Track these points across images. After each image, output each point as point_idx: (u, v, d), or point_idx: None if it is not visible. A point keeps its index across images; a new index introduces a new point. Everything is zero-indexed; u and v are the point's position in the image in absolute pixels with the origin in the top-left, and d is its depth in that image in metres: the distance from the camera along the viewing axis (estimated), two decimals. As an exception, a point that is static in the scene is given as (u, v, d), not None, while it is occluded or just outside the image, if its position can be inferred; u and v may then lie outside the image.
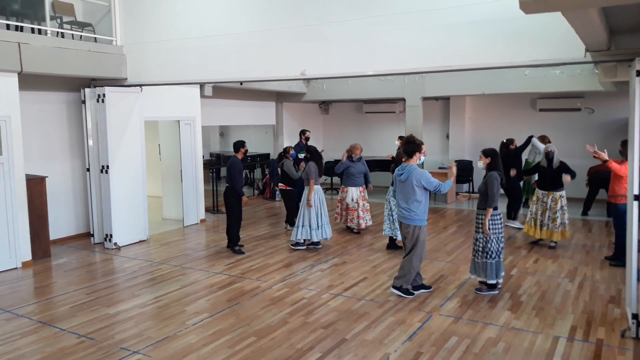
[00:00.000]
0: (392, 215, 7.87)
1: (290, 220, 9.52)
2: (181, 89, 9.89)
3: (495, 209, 5.91)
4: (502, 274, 6.07)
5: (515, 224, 9.60)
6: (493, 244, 5.88)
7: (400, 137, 11.25)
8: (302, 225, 7.99)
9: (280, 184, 9.56)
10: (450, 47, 6.01)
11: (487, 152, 6.08)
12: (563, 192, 7.88)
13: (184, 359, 4.53)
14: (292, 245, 8.18)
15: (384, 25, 6.24)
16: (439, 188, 5.78)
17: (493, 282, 5.98)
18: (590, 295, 5.97)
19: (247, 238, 8.96)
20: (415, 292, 6.04)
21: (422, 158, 6.00)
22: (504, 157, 9.61)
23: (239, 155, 8.06)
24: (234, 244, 8.07)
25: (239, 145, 8.11)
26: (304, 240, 8.04)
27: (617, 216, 6.87)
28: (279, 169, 9.45)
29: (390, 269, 7.06)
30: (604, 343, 4.74)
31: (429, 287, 6.18)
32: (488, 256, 5.90)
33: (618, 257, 6.96)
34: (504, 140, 9.92)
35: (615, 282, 6.39)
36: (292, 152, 9.48)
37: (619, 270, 6.82)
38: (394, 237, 7.96)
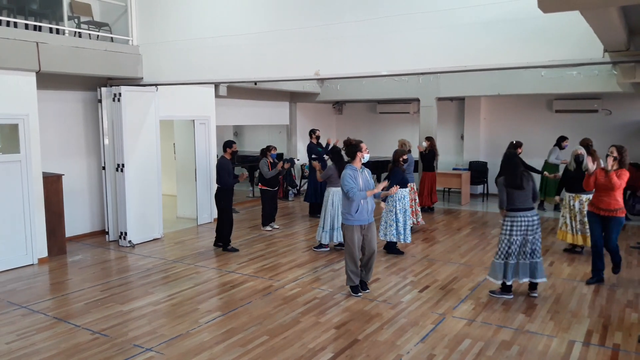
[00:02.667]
0: (393, 217, 7.79)
1: (266, 221, 9.57)
2: (196, 89, 9.94)
3: (512, 210, 5.79)
4: None
5: None
6: (538, 244, 5.86)
7: (428, 138, 11.22)
8: (324, 229, 7.94)
9: (259, 184, 9.60)
10: (466, 47, 5.97)
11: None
12: (591, 196, 7.68)
13: (196, 357, 4.55)
14: (314, 247, 8.13)
15: (398, 25, 6.22)
16: (349, 193, 5.72)
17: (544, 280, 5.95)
18: (607, 300, 5.88)
19: (259, 237, 8.99)
20: (360, 294, 6.08)
21: (366, 156, 5.96)
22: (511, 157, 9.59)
23: (227, 156, 8.06)
24: (225, 244, 8.08)
25: (226, 145, 8.13)
26: (326, 243, 8.00)
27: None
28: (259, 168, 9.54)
29: (402, 271, 7.03)
30: (621, 348, 4.66)
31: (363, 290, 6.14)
32: (538, 256, 5.83)
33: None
34: (513, 142, 9.89)
35: (633, 287, 6.29)
36: (273, 152, 9.44)
37: (636, 273, 6.72)
38: (393, 241, 7.84)
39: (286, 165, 9.43)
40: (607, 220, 6.23)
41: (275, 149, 9.59)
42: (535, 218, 5.80)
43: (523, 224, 5.75)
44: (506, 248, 5.82)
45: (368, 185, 5.93)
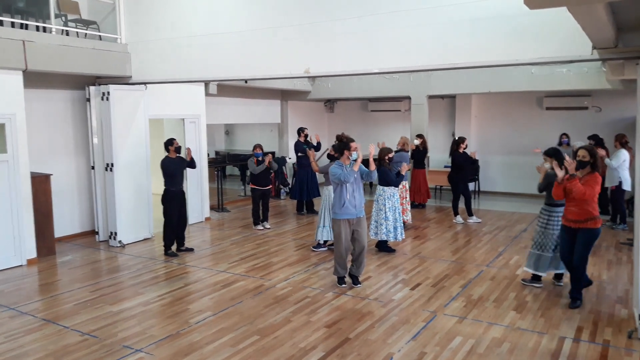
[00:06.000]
0: (383, 216, 7.77)
1: (255, 220, 9.57)
2: (186, 87, 9.88)
3: (552, 205, 5.99)
4: None
5: (474, 219, 9.95)
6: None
7: (419, 135, 11.26)
8: (324, 226, 7.86)
9: (250, 183, 9.62)
10: (456, 44, 5.96)
11: (549, 153, 6.14)
12: None
13: (186, 357, 4.52)
14: (313, 247, 8.06)
15: (389, 23, 6.20)
16: (340, 178, 5.91)
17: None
18: (597, 296, 5.91)
19: (250, 236, 8.96)
20: (345, 284, 6.24)
21: (354, 154, 6.03)
22: (451, 153, 9.94)
23: (171, 155, 7.65)
24: (165, 248, 7.79)
25: (167, 144, 7.69)
26: (325, 241, 7.94)
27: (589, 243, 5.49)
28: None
29: (394, 269, 7.03)
30: (611, 344, 4.68)
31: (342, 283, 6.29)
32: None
33: (577, 295, 5.63)
34: (455, 138, 10.03)
35: (623, 283, 6.32)
36: (258, 151, 9.36)
37: (626, 270, 6.76)
38: (383, 239, 7.81)
39: (267, 158, 9.36)
40: (575, 232, 5.45)
41: (261, 148, 9.52)
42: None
43: (557, 218, 5.98)
44: (540, 239, 6.10)
45: (356, 179, 6.05)
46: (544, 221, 6.09)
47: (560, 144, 11.09)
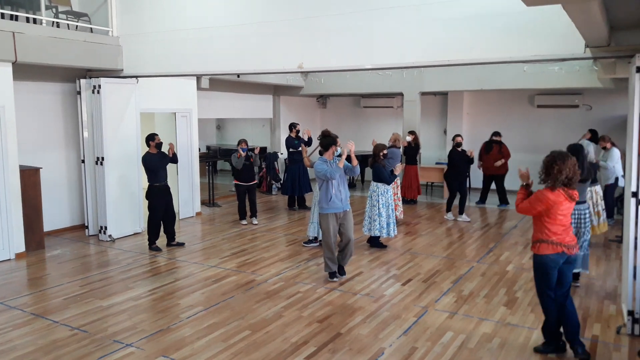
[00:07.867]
0: (376, 212, 7.77)
1: (240, 215, 9.56)
2: (178, 81, 9.82)
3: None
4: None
5: (463, 218, 9.89)
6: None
7: (411, 132, 11.29)
8: (313, 222, 7.87)
9: (234, 179, 9.59)
10: (449, 41, 5.97)
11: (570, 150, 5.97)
12: (598, 187, 7.52)
13: (177, 352, 4.50)
14: (304, 243, 8.05)
15: (382, 19, 6.19)
16: (326, 174, 6.01)
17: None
18: (586, 292, 5.96)
19: (242, 232, 8.93)
20: (336, 278, 6.33)
21: (339, 150, 6.24)
22: (450, 153, 10.00)
23: (151, 150, 7.62)
24: (149, 242, 7.78)
25: (148, 139, 7.67)
26: (315, 237, 7.91)
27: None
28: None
29: (385, 264, 7.04)
30: (600, 339, 4.73)
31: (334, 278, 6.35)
32: (586, 247, 6.00)
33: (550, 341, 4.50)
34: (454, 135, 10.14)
35: (611, 279, 6.38)
36: (244, 146, 9.29)
37: (615, 266, 6.82)
38: (376, 235, 7.81)
39: (256, 151, 9.35)
40: None
41: (246, 143, 9.46)
42: (587, 211, 5.91)
43: (575, 216, 5.83)
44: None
45: (340, 174, 6.16)
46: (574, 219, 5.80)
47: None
